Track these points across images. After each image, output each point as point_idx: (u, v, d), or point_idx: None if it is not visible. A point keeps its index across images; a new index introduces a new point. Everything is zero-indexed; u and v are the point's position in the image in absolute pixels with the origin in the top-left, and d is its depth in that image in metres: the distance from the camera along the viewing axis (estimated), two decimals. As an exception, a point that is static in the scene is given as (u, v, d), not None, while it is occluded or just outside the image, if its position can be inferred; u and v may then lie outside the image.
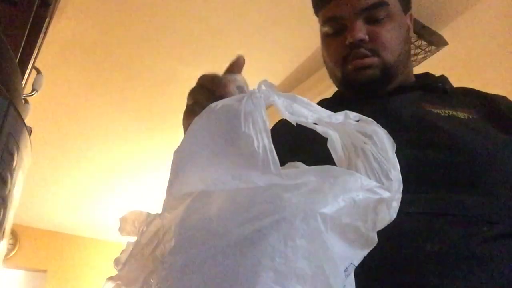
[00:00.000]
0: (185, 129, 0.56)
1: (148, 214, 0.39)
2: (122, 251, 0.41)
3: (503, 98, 0.71)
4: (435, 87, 0.73)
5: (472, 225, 0.48)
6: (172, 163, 0.38)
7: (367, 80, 0.71)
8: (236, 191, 0.34)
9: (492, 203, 0.51)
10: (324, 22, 0.75)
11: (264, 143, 0.35)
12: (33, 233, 3.90)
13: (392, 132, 0.41)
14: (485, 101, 0.69)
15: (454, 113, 0.63)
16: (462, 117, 0.62)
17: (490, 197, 0.51)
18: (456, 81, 0.77)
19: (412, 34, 0.81)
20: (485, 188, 0.51)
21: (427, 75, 0.80)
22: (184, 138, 0.39)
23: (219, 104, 0.39)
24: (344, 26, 0.72)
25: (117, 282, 0.39)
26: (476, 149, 0.49)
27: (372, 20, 0.71)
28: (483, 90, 0.73)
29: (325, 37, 0.76)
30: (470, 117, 0.63)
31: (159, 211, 0.38)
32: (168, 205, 0.37)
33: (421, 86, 0.74)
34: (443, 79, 0.77)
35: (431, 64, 2.01)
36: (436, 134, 0.57)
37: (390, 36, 0.71)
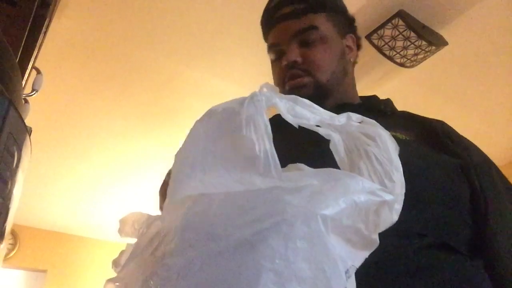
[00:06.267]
0: (161, 204, 0.60)
1: (149, 216, 0.39)
2: (121, 253, 0.41)
3: (441, 123, 0.75)
4: (379, 109, 0.77)
5: (405, 238, 0.52)
6: (173, 165, 0.38)
7: None
8: (237, 193, 0.34)
9: (423, 218, 0.55)
10: (268, 49, 0.81)
11: (265, 147, 0.34)
12: (33, 233, 3.90)
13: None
14: (423, 125, 0.74)
15: (394, 134, 0.69)
16: (401, 138, 0.66)
17: (421, 212, 0.55)
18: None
19: (353, 55, 0.84)
20: (416, 203, 0.54)
21: (373, 97, 0.84)
22: (185, 140, 0.39)
23: (220, 107, 0.39)
24: (283, 52, 0.78)
25: (116, 283, 0.39)
26: (410, 168, 0.52)
27: (305, 43, 0.77)
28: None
29: (271, 62, 0.82)
30: (408, 138, 0.67)
31: (159, 213, 0.38)
32: (168, 207, 0.37)
33: (366, 108, 0.78)
34: (387, 102, 0.81)
35: (431, 64, 2.00)
36: None
37: (322, 57, 0.76)
